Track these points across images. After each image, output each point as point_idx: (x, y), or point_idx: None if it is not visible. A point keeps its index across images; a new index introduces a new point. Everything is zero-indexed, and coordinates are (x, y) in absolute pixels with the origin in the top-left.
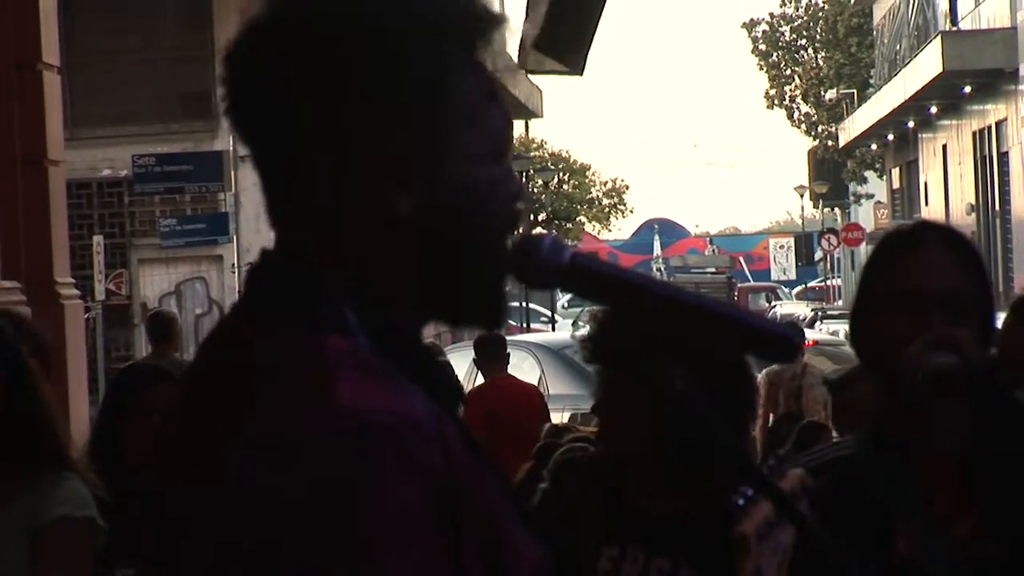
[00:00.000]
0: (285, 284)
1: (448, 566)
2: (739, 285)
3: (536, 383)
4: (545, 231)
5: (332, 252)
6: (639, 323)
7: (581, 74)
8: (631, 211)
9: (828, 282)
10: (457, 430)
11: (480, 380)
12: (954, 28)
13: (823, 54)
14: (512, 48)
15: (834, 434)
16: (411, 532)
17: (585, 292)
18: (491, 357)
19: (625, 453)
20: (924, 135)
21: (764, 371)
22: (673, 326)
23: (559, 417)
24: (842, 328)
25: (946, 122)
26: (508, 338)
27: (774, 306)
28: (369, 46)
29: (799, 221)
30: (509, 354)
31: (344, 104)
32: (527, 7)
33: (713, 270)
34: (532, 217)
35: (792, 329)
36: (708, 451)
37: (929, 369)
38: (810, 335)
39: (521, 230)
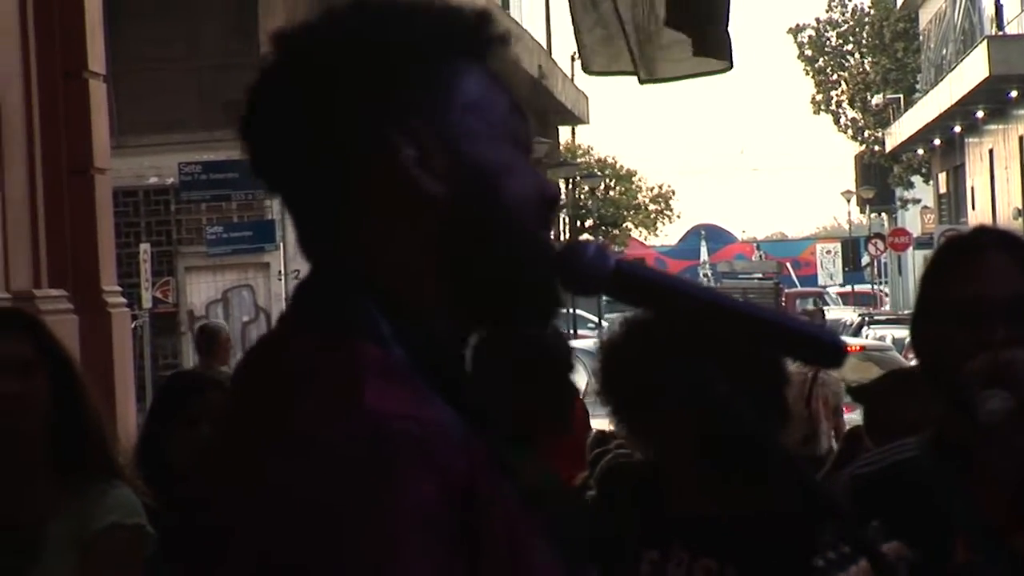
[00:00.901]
0: (322, 294)
1: (465, 572)
2: (786, 290)
3: (583, 389)
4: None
5: (363, 262)
6: (682, 328)
7: (732, 67)
8: (678, 217)
9: (872, 287)
10: (483, 447)
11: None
12: (1000, 32)
13: (869, 59)
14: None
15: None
16: (432, 534)
17: (630, 298)
18: None
19: (667, 456)
20: (971, 140)
21: None
22: (716, 331)
23: (607, 424)
24: (889, 333)
25: (993, 126)
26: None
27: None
28: (369, 57)
29: (846, 226)
30: None
31: (348, 112)
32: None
33: (760, 276)
34: (579, 223)
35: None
36: (750, 453)
37: (985, 417)
38: (857, 341)
39: (567, 237)
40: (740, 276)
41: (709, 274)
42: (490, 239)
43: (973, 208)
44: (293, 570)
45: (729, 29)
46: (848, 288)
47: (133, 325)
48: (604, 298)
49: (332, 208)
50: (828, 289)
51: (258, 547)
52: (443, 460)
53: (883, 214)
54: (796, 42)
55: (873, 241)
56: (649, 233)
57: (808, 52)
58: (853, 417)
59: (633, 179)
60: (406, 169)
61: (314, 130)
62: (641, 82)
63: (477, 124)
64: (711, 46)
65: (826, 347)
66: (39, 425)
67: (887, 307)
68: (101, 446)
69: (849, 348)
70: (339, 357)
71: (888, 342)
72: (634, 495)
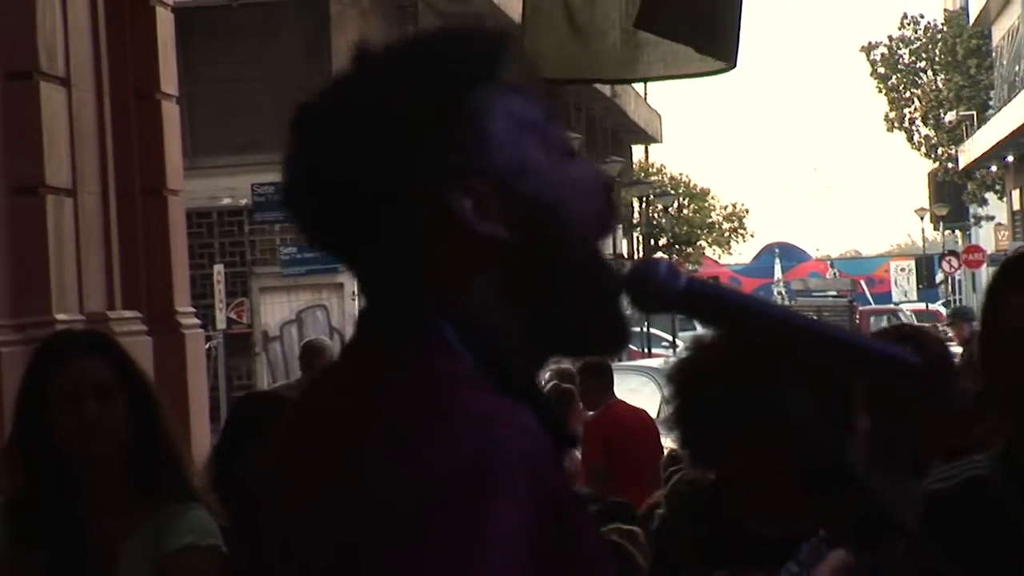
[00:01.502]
0: (389, 313)
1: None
2: (860, 308)
3: (657, 408)
4: (663, 256)
5: (431, 287)
6: (755, 347)
7: (735, 66)
8: (752, 235)
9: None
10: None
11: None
12: None
13: (942, 76)
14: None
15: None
16: (529, 553)
17: (702, 317)
18: (599, 385)
19: (739, 478)
20: None
21: None
22: (789, 350)
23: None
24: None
25: None
26: (629, 363)
27: None
28: (401, 116)
29: (920, 244)
30: (613, 381)
31: (397, 149)
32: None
33: (835, 293)
34: (652, 241)
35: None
36: (828, 473)
37: None
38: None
39: (640, 256)
40: (814, 294)
41: (783, 292)
42: (558, 276)
43: None
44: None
45: (739, 29)
46: (923, 305)
47: (207, 346)
48: (679, 316)
49: (411, 273)
50: (902, 306)
51: (340, 538)
52: (544, 472)
53: (957, 231)
54: (869, 60)
55: (947, 258)
56: (723, 251)
57: (881, 70)
58: None
59: (707, 197)
60: (466, 222)
61: (366, 202)
62: (607, 82)
63: (521, 153)
64: (718, 45)
65: (899, 365)
66: (117, 448)
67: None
68: (177, 468)
69: None
70: (420, 366)
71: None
72: (701, 515)
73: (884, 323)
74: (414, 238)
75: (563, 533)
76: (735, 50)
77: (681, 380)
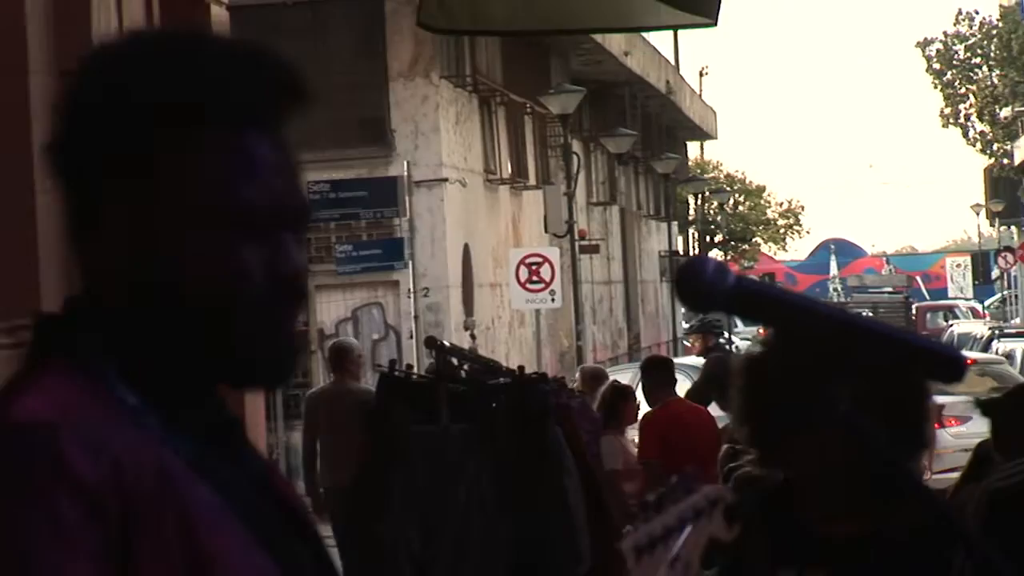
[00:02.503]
0: (56, 317)
1: (101, 570)
2: (917, 304)
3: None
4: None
5: (90, 299)
6: (805, 345)
7: (716, 24)
8: (807, 232)
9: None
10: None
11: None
12: None
13: (998, 72)
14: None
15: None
16: (70, 548)
17: (750, 314)
18: (659, 382)
19: (803, 476)
20: None
21: None
22: (838, 347)
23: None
24: (1019, 347)
25: None
26: (683, 361)
27: (951, 325)
28: (108, 123)
29: (976, 239)
30: (676, 378)
31: (82, 171)
32: None
33: (891, 289)
34: (708, 238)
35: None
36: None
37: None
38: (971, 354)
39: (696, 252)
40: (870, 290)
41: (839, 288)
42: (203, 315)
43: None
44: None
45: None
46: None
47: None
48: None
49: (78, 247)
50: (959, 302)
51: None
52: (82, 471)
53: (1012, 227)
54: (924, 56)
55: (1003, 254)
56: (778, 248)
57: (936, 66)
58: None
59: (762, 194)
60: (124, 251)
61: (67, 184)
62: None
63: (199, 210)
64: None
65: (946, 361)
66: None
67: (1017, 320)
68: None
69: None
70: (36, 373)
71: (1018, 356)
72: (767, 513)
73: (941, 319)
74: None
75: (120, 521)
76: (718, 7)
77: (748, 378)
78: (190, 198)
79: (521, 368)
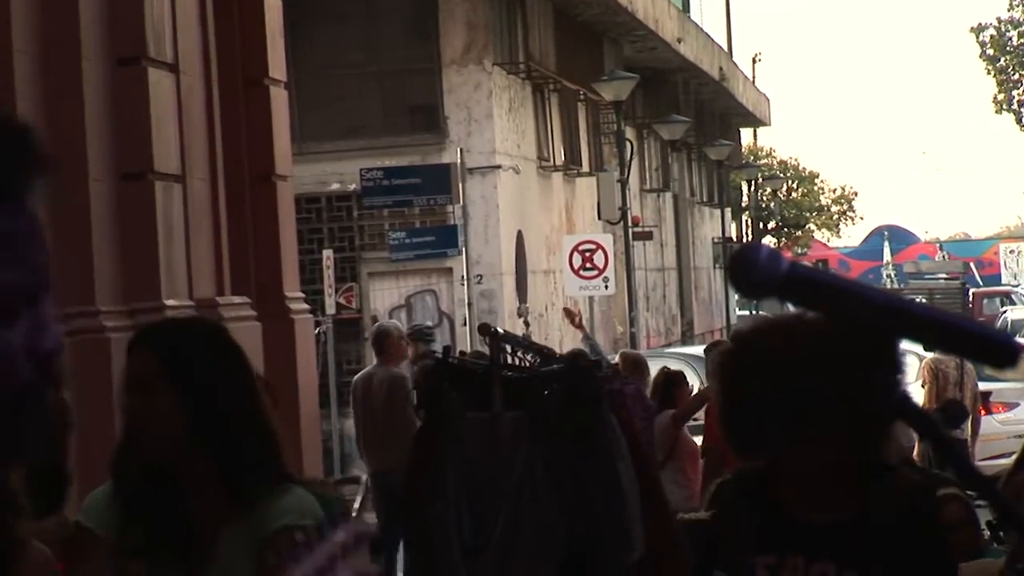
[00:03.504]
0: None
1: None
2: (973, 290)
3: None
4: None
5: None
6: (857, 331)
7: None
8: (860, 218)
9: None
10: None
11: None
12: None
13: None
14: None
15: None
16: None
17: (803, 301)
18: None
19: (793, 466)
20: None
21: (926, 360)
22: (892, 333)
23: None
24: None
25: None
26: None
27: (1005, 311)
28: None
29: None
30: None
31: None
32: None
33: (946, 276)
34: (761, 225)
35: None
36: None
37: None
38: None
39: (749, 239)
40: (926, 276)
41: (892, 275)
42: None
43: None
44: None
45: None
46: None
47: (316, 331)
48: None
49: None
50: (1018, 289)
51: None
52: None
53: None
54: (978, 41)
55: None
56: (832, 234)
57: (990, 51)
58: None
59: (816, 180)
60: None
61: None
62: None
63: None
64: None
65: (1001, 348)
66: (165, 440)
67: None
68: (271, 454)
69: None
70: None
71: None
72: (749, 501)
73: (997, 305)
74: None
75: None
76: None
77: (733, 369)
78: None
79: (574, 354)
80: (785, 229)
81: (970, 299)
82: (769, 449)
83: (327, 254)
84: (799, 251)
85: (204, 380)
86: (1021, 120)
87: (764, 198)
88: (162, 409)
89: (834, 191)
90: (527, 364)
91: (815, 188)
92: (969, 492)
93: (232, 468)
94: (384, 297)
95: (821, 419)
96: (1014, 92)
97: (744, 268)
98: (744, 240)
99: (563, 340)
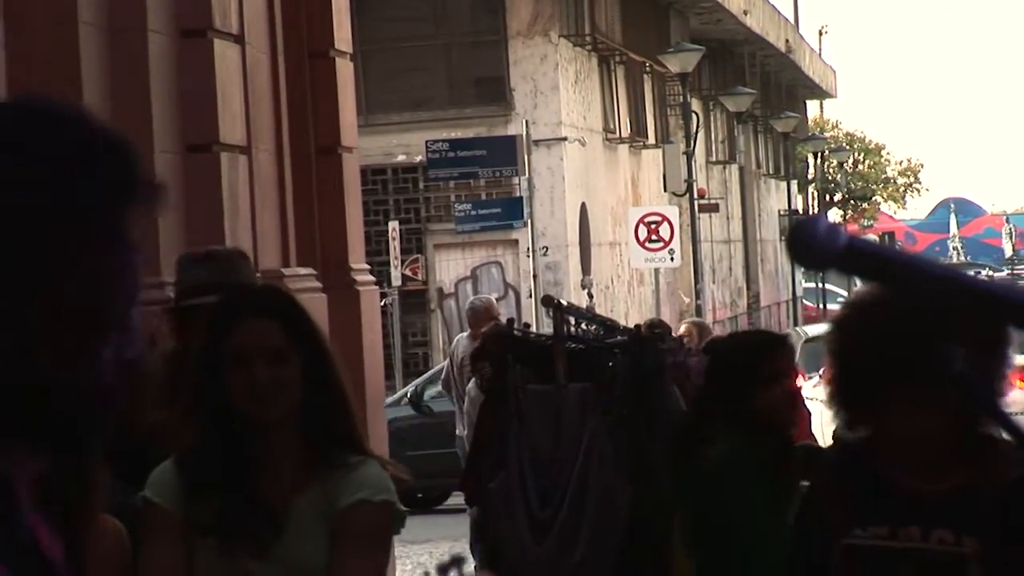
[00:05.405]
0: None
1: None
2: None
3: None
4: (828, 213)
5: None
6: (917, 303)
7: None
8: (927, 190)
9: None
10: None
11: None
12: None
13: None
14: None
15: None
16: None
17: (862, 273)
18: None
19: (896, 433)
20: None
21: None
22: (951, 306)
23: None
24: None
25: None
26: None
27: None
28: None
29: None
30: None
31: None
32: None
33: None
34: (827, 197)
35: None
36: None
37: None
38: None
39: (815, 211)
40: None
41: (960, 247)
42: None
43: None
44: None
45: None
46: None
47: (382, 303)
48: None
49: None
50: None
51: None
52: None
53: None
54: None
55: None
56: (898, 207)
57: None
58: None
59: (882, 152)
60: None
61: None
62: None
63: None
64: None
65: None
66: (290, 410)
67: None
68: (349, 426)
69: None
70: None
71: None
72: (852, 472)
73: None
74: None
75: None
76: None
77: (841, 336)
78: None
79: (638, 327)
80: (851, 201)
81: None
82: (880, 416)
83: (393, 226)
84: (865, 224)
85: (320, 349)
86: None
87: (830, 170)
88: (292, 378)
89: (900, 163)
90: (591, 336)
91: (881, 160)
92: None
93: (320, 438)
94: (450, 269)
95: (930, 387)
96: None
97: (802, 243)
98: (810, 213)
99: (628, 312)
